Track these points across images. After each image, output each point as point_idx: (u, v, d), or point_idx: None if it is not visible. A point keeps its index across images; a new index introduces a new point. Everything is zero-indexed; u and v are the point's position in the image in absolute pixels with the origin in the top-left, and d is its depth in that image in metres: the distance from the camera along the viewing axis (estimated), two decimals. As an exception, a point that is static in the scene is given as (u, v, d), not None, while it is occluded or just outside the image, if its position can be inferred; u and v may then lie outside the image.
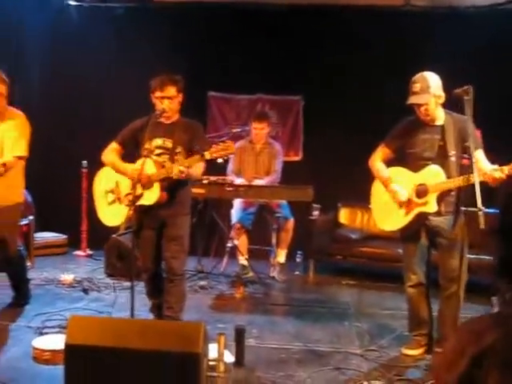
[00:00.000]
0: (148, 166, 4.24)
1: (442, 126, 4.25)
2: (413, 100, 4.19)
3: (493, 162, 4.08)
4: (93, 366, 3.16)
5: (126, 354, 3.14)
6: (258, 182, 6.43)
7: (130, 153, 4.59)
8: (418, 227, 4.33)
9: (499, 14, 7.15)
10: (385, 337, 4.76)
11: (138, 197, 4.19)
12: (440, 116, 4.26)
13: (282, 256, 6.75)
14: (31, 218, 6.97)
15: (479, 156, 4.13)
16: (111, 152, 4.59)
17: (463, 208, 4.33)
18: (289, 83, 7.73)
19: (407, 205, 4.28)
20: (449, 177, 4.15)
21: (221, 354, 3.73)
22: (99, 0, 7.97)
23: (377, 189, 4.55)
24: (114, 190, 4.59)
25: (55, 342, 4.08)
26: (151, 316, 4.76)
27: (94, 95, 7.90)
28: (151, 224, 4.50)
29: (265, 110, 7.76)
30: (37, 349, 4.09)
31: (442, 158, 4.20)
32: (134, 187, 4.20)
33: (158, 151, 4.45)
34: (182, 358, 3.10)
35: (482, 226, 3.70)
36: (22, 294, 5.41)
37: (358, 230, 7.15)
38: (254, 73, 7.64)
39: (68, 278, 6.25)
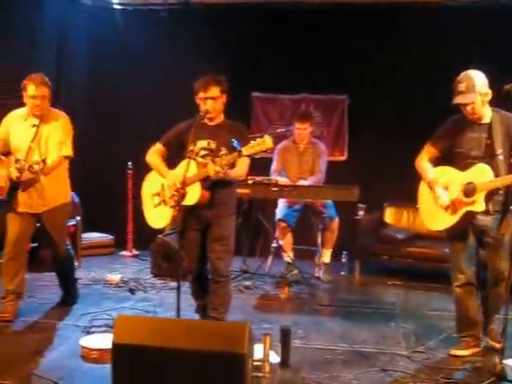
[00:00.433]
0: (191, 167, 4.26)
1: (489, 124, 4.18)
2: (459, 100, 4.14)
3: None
4: (139, 365, 3.19)
5: (172, 354, 3.16)
6: (302, 182, 6.41)
7: (175, 154, 4.62)
8: (466, 226, 4.26)
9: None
10: (432, 338, 4.68)
11: (183, 197, 4.21)
12: (487, 114, 4.20)
13: (327, 256, 6.71)
14: (78, 218, 7.09)
15: None
16: (155, 153, 4.63)
17: (512, 207, 4.25)
18: (333, 82, 7.67)
19: (454, 204, 4.22)
20: (497, 175, 4.08)
21: (266, 355, 3.73)
22: (142, 3, 8.05)
23: (424, 189, 4.50)
24: (160, 193, 4.63)
25: (102, 341, 4.13)
26: (197, 316, 4.78)
27: (138, 97, 7.98)
28: (195, 225, 4.51)
29: (307, 110, 7.72)
30: (85, 347, 4.15)
31: (489, 157, 4.13)
32: (176, 190, 4.25)
33: (202, 153, 4.47)
34: (228, 359, 3.10)
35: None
36: (70, 294, 5.51)
37: (405, 230, 7.06)
38: (298, 72, 7.62)
39: (115, 278, 6.35)
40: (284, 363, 4.07)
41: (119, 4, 8.16)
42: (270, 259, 6.94)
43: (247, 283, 6.36)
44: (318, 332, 4.89)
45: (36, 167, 4.55)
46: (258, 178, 6.19)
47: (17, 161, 4.74)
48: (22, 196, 4.91)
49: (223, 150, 4.41)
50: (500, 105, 4.22)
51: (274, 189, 6.14)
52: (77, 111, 7.70)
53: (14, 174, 4.70)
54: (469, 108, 4.13)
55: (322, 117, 7.97)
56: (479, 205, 4.12)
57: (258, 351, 3.68)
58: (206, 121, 4.52)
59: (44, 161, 4.61)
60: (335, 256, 6.79)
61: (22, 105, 5.00)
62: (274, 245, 6.87)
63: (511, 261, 3.97)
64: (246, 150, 4.12)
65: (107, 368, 3.25)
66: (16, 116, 5.03)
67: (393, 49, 7.35)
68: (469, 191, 4.16)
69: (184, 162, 4.30)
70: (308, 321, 5.19)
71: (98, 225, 7.93)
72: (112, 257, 7.79)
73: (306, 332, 4.83)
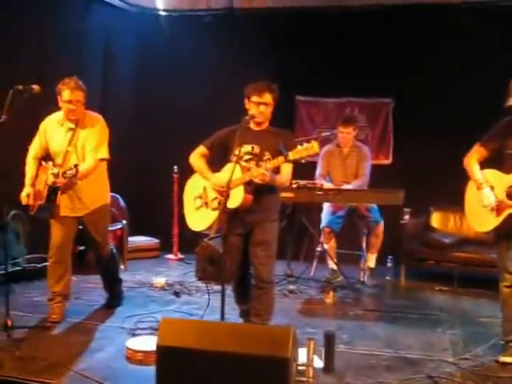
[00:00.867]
0: (236, 171, 4.28)
1: None
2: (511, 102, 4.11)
3: None
4: (183, 367, 3.22)
5: (216, 357, 3.17)
6: (346, 186, 6.37)
7: (218, 158, 4.65)
8: (510, 227, 4.22)
9: None
10: (480, 345, 4.59)
11: (226, 200, 4.22)
12: None
13: (372, 260, 6.66)
14: (124, 222, 7.18)
15: None
16: (199, 156, 4.67)
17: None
18: (378, 85, 7.60)
19: (498, 206, 4.21)
20: None
21: (310, 359, 3.72)
22: (187, 9, 8.12)
23: (471, 189, 4.48)
24: (202, 195, 4.66)
25: (147, 343, 4.18)
26: (241, 320, 4.80)
27: (183, 102, 8.05)
28: (238, 229, 4.52)
29: (351, 114, 7.70)
30: (130, 349, 4.20)
31: None
32: (220, 192, 4.26)
33: (246, 157, 4.49)
34: (271, 362, 3.11)
35: None
36: (114, 296, 5.59)
37: (451, 235, 6.95)
38: (343, 76, 7.58)
39: (160, 281, 6.41)
40: (328, 368, 4.05)
41: (164, 10, 8.24)
42: (314, 263, 6.93)
43: (292, 287, 6.34)
44: (362, 337, 4.84)
45: (69, 173, 4.58)
46: (302, 182, 6.17)
47: (54, 166, 4.83)
48: (63, 200, 4.98)
49: (267, 155, 4.42)
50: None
51: (318, 193, 6.11)
52: (123, 116, 7.85)
53: (50, 179, 4.76)
54: None
55: (367, 120, 7.92)
56: None
57: (302, 355, 3.68)
58: (251, 125, 4.55)
59: (76, 166, 4.64)
60: (380, 260, 6.72)
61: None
62: (318, 249, 6.85)
63: None
64: (292, 155, 4.12)
65: (151, 370, 3.30)
66: (52, 121, 5.10)
67: (439, 51, 7.26)
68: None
69: (229, 166, 4.33)
70: (353, 326, 5.16)
71: (144, 228, 8.03)
72: (157, 260, 7.88)
73: (350, 337, 4.80)
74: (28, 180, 5.04)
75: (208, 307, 4.99)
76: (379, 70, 7.48)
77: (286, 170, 4.41)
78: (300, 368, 3.53)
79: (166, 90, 8.15)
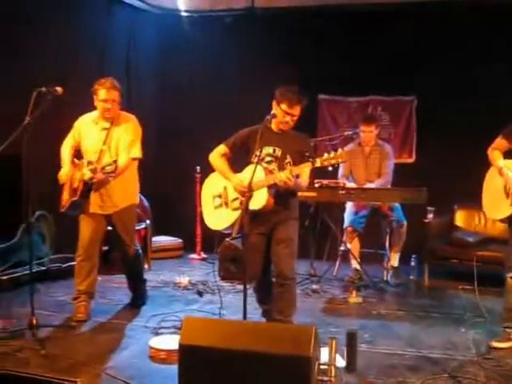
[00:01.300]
0: (258, 172, 4.30)
1: None
2: None
3: None
4: (205, 366, 3.24)
5: (238, 356, 3.19)
6: (369, 185, 6.35)
7: (239, 158, 4.67)
8: None
9: None
10: (503, 345, 4.56)
11: (248, 201, 4.24)
12: None
13: (395, 260, 6.64)
14: (148, 222, 7.23)
15: None
16: (220, 156, 4.69)
17: None
18: (401, 84, 7.57)
19: None
20: None
21: (332, 359, 3.72)
22: (208, 10, 8.15)
23: (489, 176, 4.67)
24: (222, 195, 4.68)
25: (170, 342, 4.21)
26: (263, 320, 4.81)
27: (205, 102, 8.09)
28: (259, 229, 4.55)
29: (373, 113, 7.69)
30: (153, 348, 4.24)
31: None
32: (242, 193, 4.28)
33: (268, 159, 4.52)
34: (293, 361, 3.12)
35: None
36: (139, 295, 5.63)
37: (476, 233, 6.90)
38: (365, 74, 7.56)
39: (183, 280, 6.45)
40: (350, 367, 4.05)
41: (185, 11, 8.28)
42: (337, 263, 6.92)
43: (315, 287, 6.34)
44: (385, 336, 4.83)
45: (109, 168, 4.68)
46: (325, 182, 6.16)
47: (89, 163, 4.89)
48: (93, 197, 5.06)
49: (288, 159, 4.46)
50: None
51: (341, 192, 6.10)
52: (145, 117, 7.85)
53: (88, 175, 4.82)
54: None
55: (390, 119, 7.89)
56: None
57: (325, 355, 3.68)
58: (272, 126, 4.58)
59: (116, 162, 4.74)
60: (404, 260, 6.70)
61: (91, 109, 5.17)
62: (341, 248, 6.84)
63: None
64: (320, 162, 4.17)
65: (174, 368, 3.33)
66: (87, 120, 5.19)
67: (461, 48, 7.21)
68: None
69: (251, 167, 4.33)
70: (375, 325, 5.14)
71: (168, 228, 8.08)
72: (181, 260, 7.93)
73: (372, 336, 4.79)
74: (66, 161, 5.11)
75: (231, 306, 5.01)
76: (402, 68, 7.45)
77: (306, 173, 4.46)
78: (322, 367, 3.53)
79: (187, 90, 8.20)
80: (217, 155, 4.70)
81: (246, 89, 7.73)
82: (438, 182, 6.77)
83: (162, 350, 4.18)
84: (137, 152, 5.12)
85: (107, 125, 5.08)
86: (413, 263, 6.72)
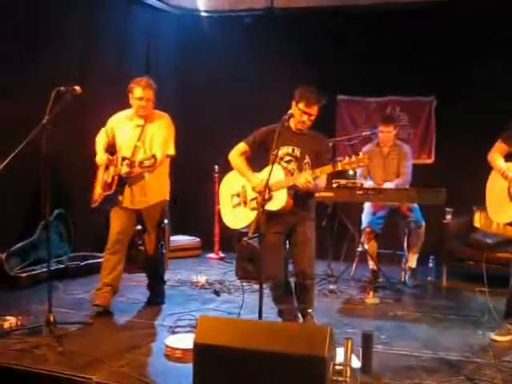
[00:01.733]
0: (277, 172, 4.30)
1: None
2: None
3: None
4: (220, 365, 3.24)
5: (253, 355, 3.20)
6: (387, 185, 6.32)
7: (258, 156, 4.68)
8: None
9: None
10: (522, 347, 4.52)
11: (267, 201, 4.25)
12: None
13: (413, 261, 6.60)
14: (166, 221, 7.24)
15: None
16: (239, 155, 4.71)
17: None
18: (420, 84, 7.54)
19: None
20: None
21: (348, 359, 3.71)
22: (228, 10, 8.17)
23: (492, 181, 4.69)
24: (240, 194, 4.70)
25: (186, 341, 4.21)
26: (279, 319, 4.81)
27: (225, 102, 8.12)
28: (276, 229, 4.56)
29: (391, 113, 7.66)
30: (169, 347, 4.25)
31: None
32: (261, 193, 4.30)
33: (286, 158, 4.54)
34: (308, 361, 3.11)
35: None
36: (157, 294, 5.65)
37: (495, 235, 6.84)
38: (384, 75, 7.53)
39: (201, 279, 6.47)
40: (365, 368, 4.03)
41: (205, 11, 8.30)
42: (355, 263, 6.91)
43: (332, 287, 6.34)
44: (401, 338, 4.80)
45: (147, 162, 4.72)
46: (343, 182, 6.14)
47: (123, 159, 4.95)
48: (126, 192, 5.13)
49: (306, 159, 4.48)
50: None
51: (358, 192, 6.07)
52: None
53: (125, 169, 4.90)
54: None
55: (409, 119, 7.86)
56: None
57: (340, 355, 3.67)
58: (291, 125, 4.59)
59: (154, 156, 4.78)
60: (422, 261, 6.67)
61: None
62: (359, 249, 6.82)
63: None
64: (341, 166, 4.19)
65: (190, 367, 3.33)
66: (121, 117, 5.29)
67: (481, 48, 7.15)
68: None
69: (269, 168, 4.33)
70: (392, 326, 5.12)
71: (186, 228, 8.11)
72: (199, 259, 7.97)
73: (389, 337, 4.76)
74: (101, 149, 5.21)
75: (242, 305, 5.02)
76: (421, 69, 7.42)
77: (323, 175, 4.47)
78: (337, 367, 3.51)
79: (206, 90, 8.23)
80: (236, 154, 4.72)
81: (265, 88, 7.73)
82: (456, 183, 6.73)
83: (178, 349, 4.19)
84: (171, 149, 5.22)
85: (141, 122, 5.18)
86: (431, 264, 6.70)
